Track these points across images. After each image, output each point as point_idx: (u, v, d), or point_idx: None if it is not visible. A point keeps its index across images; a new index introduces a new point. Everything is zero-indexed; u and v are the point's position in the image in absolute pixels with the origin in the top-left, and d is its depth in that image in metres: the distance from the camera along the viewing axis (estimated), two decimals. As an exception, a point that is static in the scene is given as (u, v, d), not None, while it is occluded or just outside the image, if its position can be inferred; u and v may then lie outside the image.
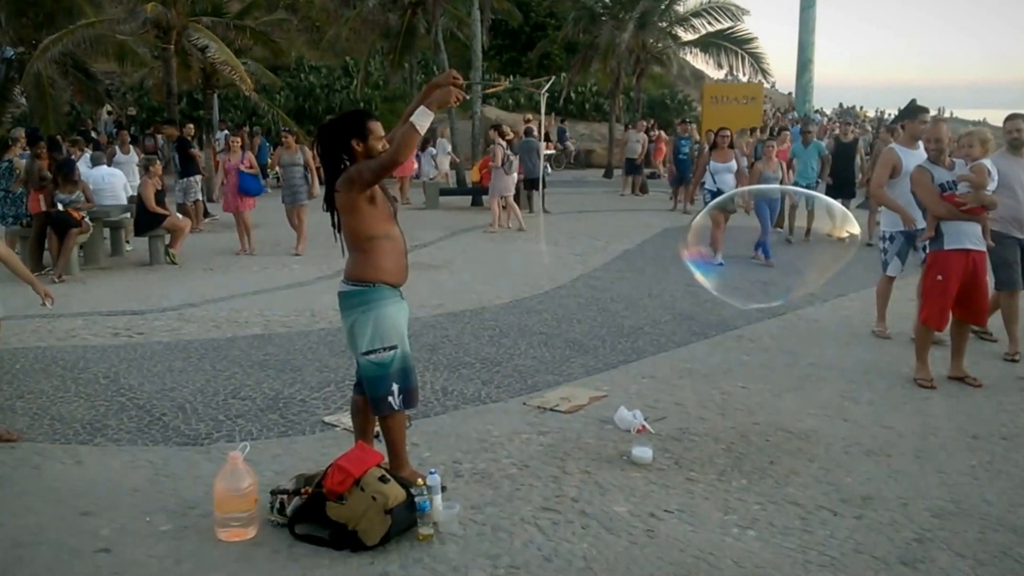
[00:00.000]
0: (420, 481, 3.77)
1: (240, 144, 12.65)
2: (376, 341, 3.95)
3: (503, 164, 13.93)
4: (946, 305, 5.90)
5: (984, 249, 5.92)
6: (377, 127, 3.96)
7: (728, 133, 11.86)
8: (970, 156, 5.84)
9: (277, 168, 14.36)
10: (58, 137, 16.42)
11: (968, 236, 5.82)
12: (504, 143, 14.28)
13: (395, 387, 3.98)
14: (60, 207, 10.21)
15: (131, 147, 14.97)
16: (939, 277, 5.86)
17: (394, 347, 3.98)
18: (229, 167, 12.33)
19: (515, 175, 14.58)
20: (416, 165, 19.28)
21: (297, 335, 7.36)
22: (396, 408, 4.02)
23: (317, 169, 11.59)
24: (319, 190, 11.50)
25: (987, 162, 5.82)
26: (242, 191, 11.94)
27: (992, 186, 5.80)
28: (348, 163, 3.97)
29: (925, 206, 6.02)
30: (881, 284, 7.37)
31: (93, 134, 18.70)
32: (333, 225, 4.10)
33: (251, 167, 12.22)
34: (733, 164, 11.33)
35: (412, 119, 3.83)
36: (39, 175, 10.53)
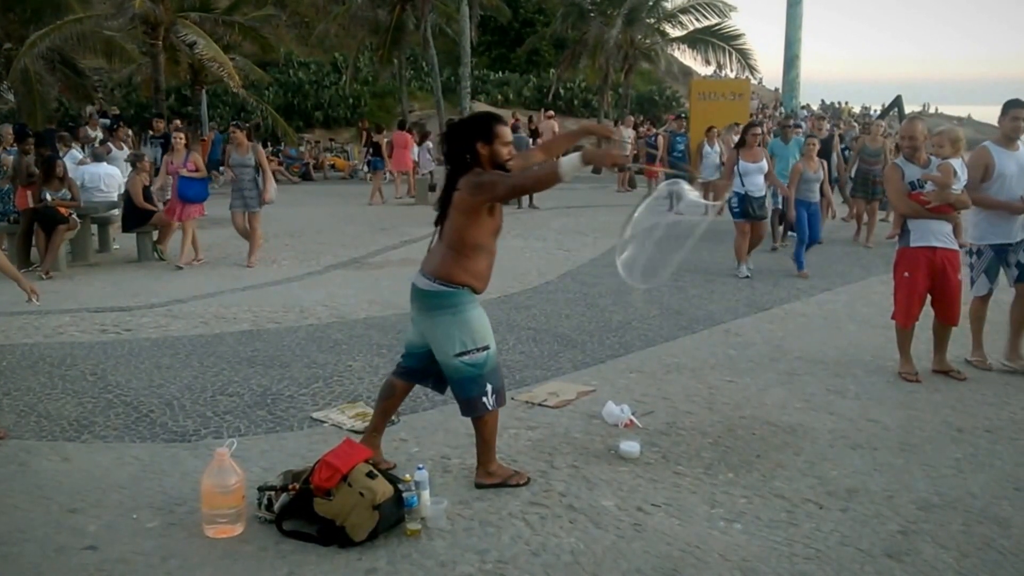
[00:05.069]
0: (517, 478, 4.17)
1: (184, 143, 11.12)
2: (469, 342, 3.98)
3: None
4: (913, 301, 5.93)
5: (955, 248, 5.94)
6: (505, 132, 3.96)
7: (760, 131, 10.62)
8: (939, 155, 5.86)
9: (223, 167, 12.44)
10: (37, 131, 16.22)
11: (935, 234, 5.85)
12: None
13: (489, 387, 4.03)
14: (48, 198, 10.15)
15: (122, 143, 14.87)
16: (906, 274, 5.93)
17: (487, 347, 4.02)
18: (171, 170, 10.85)
19: None
20: (416, 160, 19.21)
21: (286, 331, 7.35)
22: (491, 408, 4.07)
23: (313, 167, 10.76)
24: (272, 195, 10.73)
25: (956, 162, 5.83)
26: (181, 197, 10.62)
27: (958, 186, 5.81)
28: (472, 164, 3.93)
29: (891, 204, 6.01)
30: (973, 306, 6.25)
31: (95, 131, 18.29)
32: (436, 223, 4.08)
33: (196, 170, 10.73)
34: (764, 164, 9.85)
35: (562, 163, 3.69)
36: (27, 171, 10.48)
